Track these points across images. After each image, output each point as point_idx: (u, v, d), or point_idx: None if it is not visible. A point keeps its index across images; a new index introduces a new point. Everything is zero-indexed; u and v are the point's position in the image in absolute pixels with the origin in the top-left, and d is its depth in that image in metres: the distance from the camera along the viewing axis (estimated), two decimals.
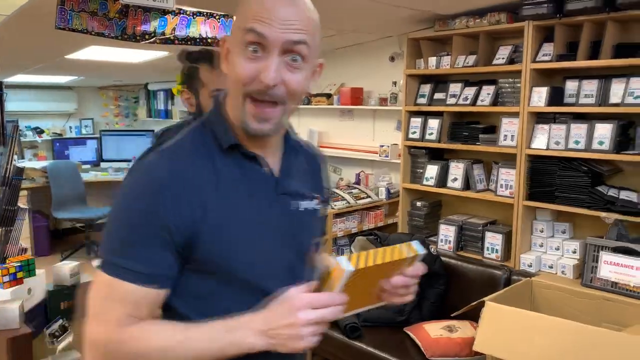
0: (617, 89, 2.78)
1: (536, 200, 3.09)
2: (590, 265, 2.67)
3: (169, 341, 0.84)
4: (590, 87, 2.89)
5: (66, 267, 2.30)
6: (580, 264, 2.90)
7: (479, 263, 3.17)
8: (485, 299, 2.32)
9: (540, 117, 3.09)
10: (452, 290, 3.16)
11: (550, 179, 3.05)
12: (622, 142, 2.79)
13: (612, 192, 2.83)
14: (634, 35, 2.84)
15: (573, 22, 2.89)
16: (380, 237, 3.38)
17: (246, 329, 0.84)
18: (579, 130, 2.91)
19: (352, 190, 4.00)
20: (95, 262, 0.90)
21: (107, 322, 0.85)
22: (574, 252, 3.03)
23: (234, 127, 0.94)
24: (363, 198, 3.96)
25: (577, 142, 2.91)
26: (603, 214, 2.78)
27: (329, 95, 4.44)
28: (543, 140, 3.05)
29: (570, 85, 2.99)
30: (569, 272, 2.96)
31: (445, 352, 2.59)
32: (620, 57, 2.73)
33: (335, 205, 3.71)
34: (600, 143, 2.82)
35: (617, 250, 2.58)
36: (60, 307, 2.25)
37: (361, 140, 4.41)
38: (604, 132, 2.82)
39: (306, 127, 4.74)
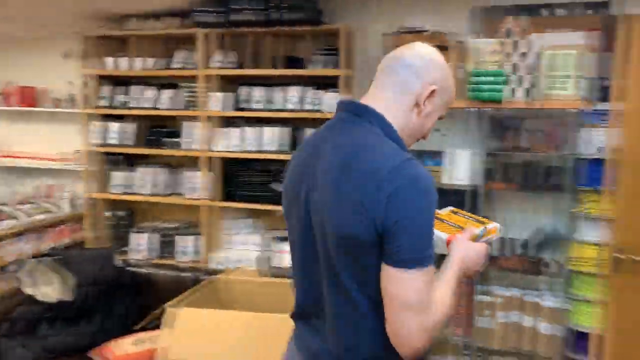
0: (284, 96, 3.12)
1: (223, 200, 3.23)
2: (270, 255, 2.92)
3: (443, 287, 1.11)
4: (261, 93, 3.17)
5: None
6: (270, 255, 3.16)
7: (172, 268, 3.14)
8: (167, 304, 2.28)
9: (221, 121, 3.23)
10: (148, 301, 3.04)
11: (234, 179, 3.24)
12: (291, 143, 3.15)
13: (282, 188, 3.16)
14: (296, 48, 3.22)
15: (242, 33, 3.12)
16: (71, 255, 3.00)
17: (460, 269, 1.18)
18: (254, 133, 3.16)
19: (25, 206, 3.45)
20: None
21: (429, 305, 1.05)
22: (259, 245, 3.29)
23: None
24: (42, 213, 3.46)
25: (254, 144, 3.15)
26: (279, 208, 3.09)
27: None
28: (225, 142, 3.21)
29: (244, 92, 3.21)
30: (256, 264, 3.19)
31: None
32: (287, 67, 3.07)
33: (2, 226, 3.13)
34: (272, 144, 3.13)
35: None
36: None
37: (39, 146, 3.85)
38: (273, 134, 3.13)
39: None
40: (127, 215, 3.57)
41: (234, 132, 3.19)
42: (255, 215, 3.34)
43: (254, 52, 3.18)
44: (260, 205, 3.13)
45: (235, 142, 3.18)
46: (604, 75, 2.66)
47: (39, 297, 2.50)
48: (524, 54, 2.60)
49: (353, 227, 1.04)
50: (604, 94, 2.62)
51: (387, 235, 1.02)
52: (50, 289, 2.60)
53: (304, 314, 1.26)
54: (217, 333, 2.20)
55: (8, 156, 3.88)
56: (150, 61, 3.24)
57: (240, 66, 3.17)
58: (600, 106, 2.63)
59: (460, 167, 2.81)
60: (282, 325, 2.20)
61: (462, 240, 1.22)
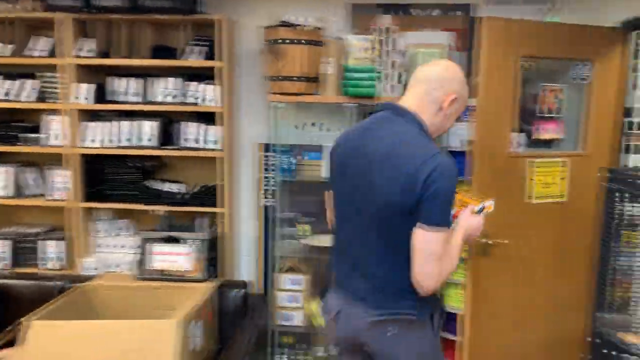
0: (156, 88, 2.95)
1: (94, 201, 2.99)
2: (144, 257, 2.75)
3: (453, 247, 1.57)
4: (135, 85, 2.97)
5: None
6: (139, 258, 2.97)
7: (36, 277, 2.84)
8: (23, 318, 2.06)
9: (88, 115, 2.98)
10: (8, 315, 2.72)
11: (105, 178, 3.01)
12: (165, 138, 2.99)
13: (159, 186, 3.00)
14: (168, 38, 3.06)
15: (110, 20, 2.89)
16: None
17: (463, 236, 1.62)
18: (126, 127, 2.95)
19: None
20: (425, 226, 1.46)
21: (445, 257, 1.51)
22: (136, 247, 3.09)
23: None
24: None
25: (127, 140, 2.95)
26: (153, 207, 2.92)
27: None
28: (94, 138, 2.96)
29: (115, 83, 2.99)
30: (131, 268, 3.00)
31: None
32: (157, 58, 2.90)
33: None
34: (148, 139, 2.95)
35: (166, 240, 2.75)
36: None
37: None
38: (149, 129, 2.95)
39: None
40: None
41: (104, 126, 2.96)
42: (128, 215, 3.14)
43: (125, 42, 2.96)
44: (134, 204, 2.94)
45: (105, 137, 2.95)
46: (467, 73, 2.84)
47: None
48: (395, 51, 2.70)
49: (396, 197, 1.48)
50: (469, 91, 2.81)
51: (421, 204, 1.45)
52: None
53: (344, 261, 1.69)
54: (76, 346, 2.03)
55: None
56: (7, 48, 2.89)
57: (107, 56, 2.94)
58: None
59: None
60: (153, 332, 2.11)
61: (465, 214, 1.67)
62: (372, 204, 1.54)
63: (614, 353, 1.51)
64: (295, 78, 2.65)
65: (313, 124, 3.07)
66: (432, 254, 1.46)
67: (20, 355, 2.02)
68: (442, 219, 1.47)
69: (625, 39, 2.55)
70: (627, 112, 2.66)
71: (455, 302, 2.84)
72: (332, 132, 3.06)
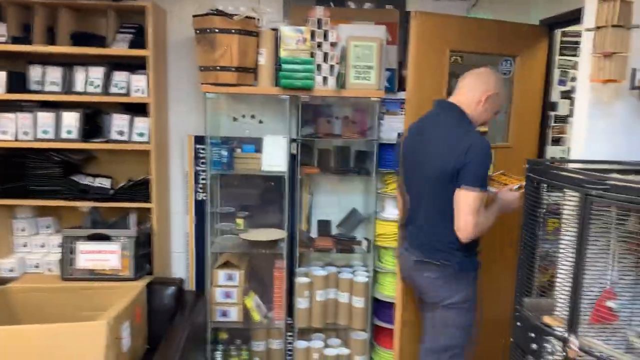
0: (80, 78, 2.79)
1: (11, 197, 2.79)
2: (68, 257, 2.61)
3: (490, 211, 2.04)
4: (55, 74, 2.79)
5: None
6: (63, 257, 2.81)
7: None
8: None
9: (2, 105, 2.77)
10: None
11: (23, 173, 2.81)
12: (91, 130, 2.83)
13: (87, 181, 2.85)
14: (89, 24, 2.89)
15: (26, 3, 2.69)
16: None
17: (501, 206, 2.10)
18: (46, 119, 2.77)
19: None
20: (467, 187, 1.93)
21: (480, 213, 1.96)
22: (59, 246, 2.92)
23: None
24: None
25: (46, 132, 2.76)
26: (78, 204, 2.77)
27: None
28: (10, 130, 2.76)
29: (34, 71, 2.79)
30: (54, 268, 2.82)
31: None
32: (77, 45, 2.73)
33: None
34: (69, 132, 2.77)
35: (93, 237, 2.61)
36: None
37: None
38: (71, 120, 2.78)
39: None
40: None
41: (22, 117, 2.76)
42: (52, 213, 2.96)
43: (43, 27, 2.76)
44: (57, 201, 2.77)
45: (21, 130, 2.76)
46: (400, 66, 2.90)
47: None
48: (332, 44, 2.69)
49: (444, 166, 1.96)
50: (402, 84, 2.86)
51: (461, 171, 1.93)
52: None
53: (411, 221, 2.19)
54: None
55: None
56: None
57: (26, 42, 2.74)
58: (399, 95, 2.87)
59: (275, 154, 2.83)
60: (81, 335, 2.01)
61: (504, 190, 2.14)
62: (429, 173, 2.04)
63: (533, 335, 1.59)
64: (231, 68, 2.59)
65: (252, 116, 3.02)
66: (469, 207, 1.92)
67: None
68: (477, 182, 1.92)
69: (548, 36, 2.68)
70: (552, 106, 2.81)
71: (390, 290, 2.90)
72: (268, 125, 3.03)
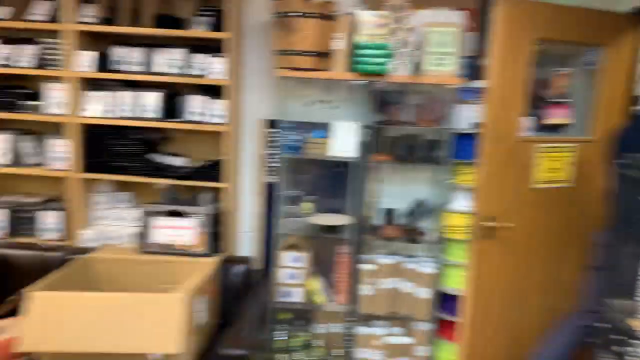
0: (160, 59, 2.88)
1: (94, 172, 2.94)
2: (146, 231, 2.72)
3: None
4: (136, 55, 2.89)
5: None
6: (140, 231, 2.93)
7: (35, 247, 2.80)
8: (25, 289, 2.03)
9: (90, 84, 2.91)
10: (8, 285, 2.69)
11: (106, 149, 2.95)
12: (169, 110, 2.93)
13: (163, 159, 2.96)
14: (170, 6, 2.97)
15: None
16: None
17: None
18: (128, 98, 2.89)
19: None
20: None
21: None
22: (136, 220, 3.05)
23: None
24: None
25: (128, 110, 2.88)
26: (156, 180, 2.88)
27: None
28: (96, 107, 2.90)
29: (117, 52, 2.91)
30: (130, 240, 2.97)
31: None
32: (159, 27, 2.82)
33: None
34: (149, 111, 2.89)
35: (168, 213, 2.71)
36: None
37: None
38: (152, 100, 2.89)
39: None
40: None
41: (105, 96, 2.89)
42: (129, 188, 3.09)
43: (128, 10, 2.87)
44: (136, 177, 2.90)
45: (107, 107, 2.89)
46: (478, 54, 2.81)
47: None
48: (409, 29, 2.65)
49: None
50: (478, 72, 2.78)
51: None
52: None
53: None
54: (79, 317, 2.01)
55: None
56: (5, 10, 2.79)
57: (111, 23, 2.86)
58: (475, 84, 2.79)
59: (345, 140, 2.83)
60: (159, 306, 2.10)
61: None
62: None
63: (622, 338, 1.53)
64: (308, 53, 2.59)
65: (324, 101, 3.03)
66: None
67: (23, 325, 1.99)
68: None
69: (636, 25, 2.53)
70: (635, 100, 2.65)
71: (456, 283, 2.86)
72: (339, 110, 3.02)
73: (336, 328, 3.06)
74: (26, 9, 2.89)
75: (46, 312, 2.04)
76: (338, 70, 2.71)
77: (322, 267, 3.14)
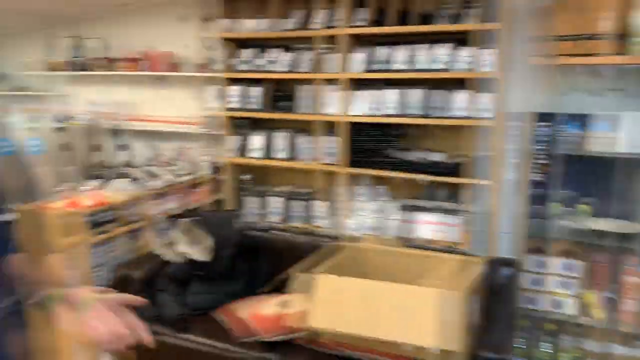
0: (422, 56, 2.90)
1: (357, 167, 3.13)
2: (409, 225, 2.79)
3: None
4: (403, 53, 2.97)
5: None
6: (400, 224, 3.02)
7: (308, 233, 3.12)
8: (297, 269, 2.26)
9: (357, 84, 3.10)
10: (281, 264, 3.03)
11: (368, 145, 3.11)
12: (428, 108, 2.93)
13: (423, 155, 2.98)
14: (433, 2, 2.97)
15: None
16: (207, 217, 3.07)
17: None
18: (394, 95, 2.99)
19: (173, 167, 3.62)
20: None
21: None
22: (394, 213, 3.16)
23: None
24: (184, 175, 3.60)
25: (392, 108, 2.98)
26: (415, 176, 2.92)
27: (135, 60, 3.92)
28: (361, 106, 3.08)
29: (382, 52, 3.03)
30: (388, 232, 3.07)
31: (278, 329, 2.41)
32: (426, 24, 2.84)
33: (152, 185, 3.30)
34: (412, 108, 2.94)
35: (431, 209, 2.73)
36: None
37: (176, 111, 4.00)
38: (415, 97, 2.93)
39: (108, 96, 4.14)
40: (250, 179, 3.62)
41: (371, 95, 3.04)
42: (384, 182, 3.21)
43: (397, 10, 2.97)
44: (396, 172, 2.98)
45: (372, 106, 3.04)
46: None
47: (194, 256, 2.58)
48: None
49: None
50: None
51: None
52: (198, 248, 2.66)
53: None
54: (359, 302, 2.12)
55: (146, 120, 4.08)
56: (286, 22, 3.18)
57: (379, 24, 2.99)
58: None
59: (638, 134, 2.43)
60: (433, 299, 2.09)
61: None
62: None
63: None
64: (604, 36, 2.29)
65: (609, 90, 2.67)
66: None
67: (310, 303, 2.19)
68: None
69: None
70: None
71: None
72: (628, 100, 2.62)
73: (618, 349, 2.68)
74: (279, 19, 3.23)
75: (331, 294, 2.22)
76: (634, 53, 2.34)
77: (601, 278, 2.78)
